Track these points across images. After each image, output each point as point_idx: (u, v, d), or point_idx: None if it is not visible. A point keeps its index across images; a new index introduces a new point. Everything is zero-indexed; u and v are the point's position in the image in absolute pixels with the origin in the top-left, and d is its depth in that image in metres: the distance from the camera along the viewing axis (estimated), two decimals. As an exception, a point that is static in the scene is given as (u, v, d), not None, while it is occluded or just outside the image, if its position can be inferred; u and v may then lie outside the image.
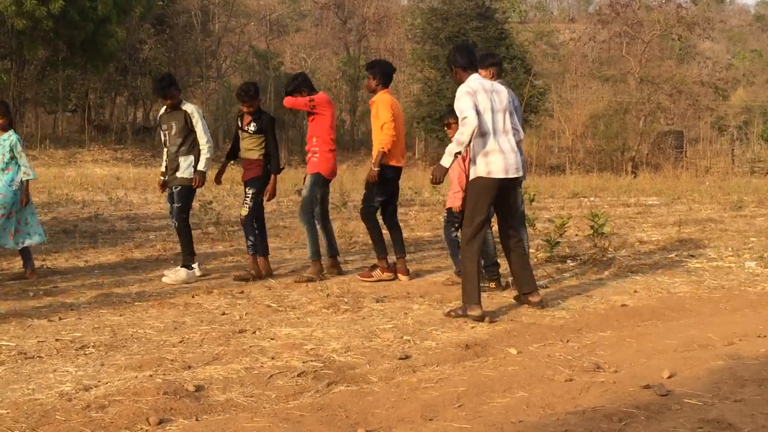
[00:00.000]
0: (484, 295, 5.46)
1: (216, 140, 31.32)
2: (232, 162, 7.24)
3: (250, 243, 6.72)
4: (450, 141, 6.61)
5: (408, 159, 33.48)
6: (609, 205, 15.38)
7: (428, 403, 3.44)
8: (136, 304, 5.62)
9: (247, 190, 6.73)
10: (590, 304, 5.85)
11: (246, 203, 6.70)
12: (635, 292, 6.33)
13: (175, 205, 6.60)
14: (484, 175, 5.19)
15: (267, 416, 3.26)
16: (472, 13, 32.41)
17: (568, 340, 4.72)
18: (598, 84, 41.75)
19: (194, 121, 6.59)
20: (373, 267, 6.77)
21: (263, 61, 38.62)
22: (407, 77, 36.78)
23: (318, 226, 6.78)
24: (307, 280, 6.56)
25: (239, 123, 6.83)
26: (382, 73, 6.63)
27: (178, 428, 3.17)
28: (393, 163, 6.58)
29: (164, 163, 6.83)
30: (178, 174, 6.60)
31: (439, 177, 5.25)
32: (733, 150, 38.26)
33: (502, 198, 5.38)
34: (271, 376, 3.87)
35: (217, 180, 7.25)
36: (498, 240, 6.02)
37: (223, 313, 5.36)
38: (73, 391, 3.59)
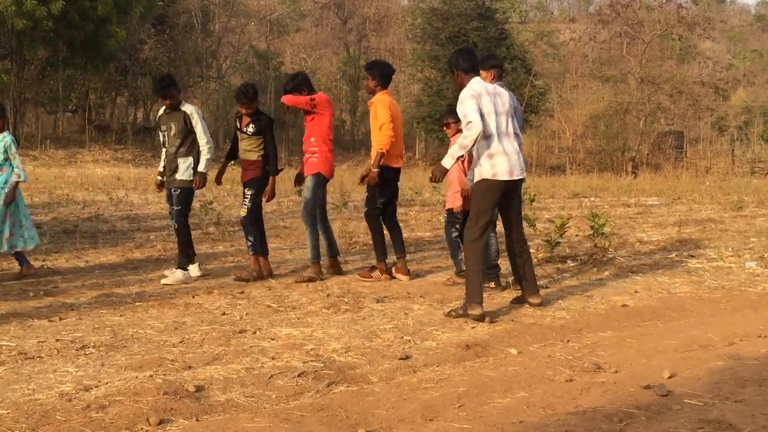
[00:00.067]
0: (484, 295, 5.46)
1: (216, 141, 31.32)
2: (232, 162, 7.24)
3: (250, 243, 6.72)
4: (449, 141, 6.64)
5: (408, 159, 33.52)
6: (609, 206, 15.38)
7: (429, 403, 3.44)
8: (136, 304, 5.62)
9: (246, 191, 6.73)
10: (591, 304, 5.85)
11: (245, 204, 6.71)
12: (636, 292, 6.33)
13: (175, 207, 6.59)
14: (489, 177, 5.23)
15: (267, 416, 3.26)
16: (472, 13, 32.40)
17: (568, 341, 4.72)
18: (598, 84, 41.76)
19: (194, 122, 6.58)
20: (373, 268, 6.77)
21: (263, 61, 38.63)
22: (407, 77, 36.78)
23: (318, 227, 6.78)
24: (308, 280, 6.57)
25: (238, 124, 6.83)
26: (381, 74, 6.63)
27: (179, 428, 3.17)
28: (392, 164, 6.58)
29: (162, 163, 6.82)
30: (177, 176, 6.59)
31: (438, 176, 5.31)
32: (733, 150, 38.25)
33: (506, 200, 5.42)
34: (272, 376, 3.87)
35: (218, 181, 7.25)
36: (502, 241, 6.03)
37: (224, 314, 5.36)
38: (74, 392, 3.59)
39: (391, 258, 6.82)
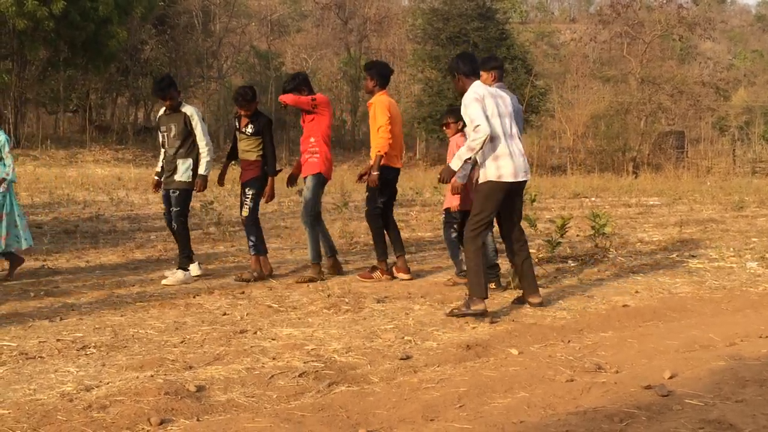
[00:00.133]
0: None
1: (217, 141, 31.36)
2: (233, 162, 7.25)
3: (251, 243, 6.72)
4: (449, 141, 6.65)
5: (409, 159, 33.54)
6: (610, 206, 15.38)
7: (429, 403, 3.44)
8: (137, 304, 5.63)
9: (246, 190, 6.73)
10: (591, 304, 5.85)
11: (246, 204, 6.71)
12: (636, 292, 6.32)
13: (174, 208, 6.58)
14: (494, 179, 5.26)
15: (268, 416, 3.26)
16: (473, 13, 32.42)
17: (569, 341, 4.72)
18: (599, 84, 41.76)
19: (194, 123, 6.57)
20: (373, 268, 6.77)
21: (264, 61, 38.67)
22: (408, 78, 36.81)
23: None
24: (309, 281, 6.57)
25: (237, 124, 6.83)
26: (380, 74, 6.63)
27: (180, 428, 3.17)
28: (393, 163, 6.59)
29: (160, 163, 6.81)
30: (176, 177, 6.57)
31: (446, 177, 5.42)
32: (734, 150, 38.26)
33: (509, 201, 5.44)
34: (272, 376, 3.87)
35: (220, 182, 7.24)
36: (500, 242, 6.04)
37: (225, 314, 5.36)
38: (75, 392, 3.60)
39: (391, 258, 6.82)
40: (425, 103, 33.13)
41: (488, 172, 5.28)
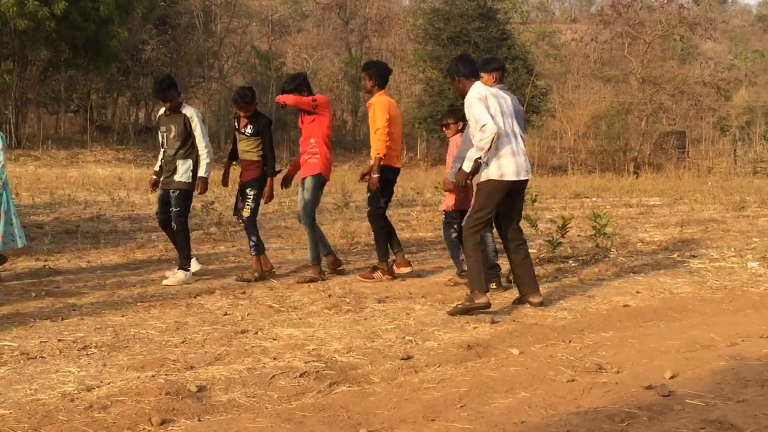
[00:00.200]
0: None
1: (217, 141, 31.37)
2: (234, 162, 7.25)
3: (252, 243, 6.72)
4: (449, 141, 6.66)
5: (410, 159, 33.56)
6: (611, 206, 15.37)
7: (430, 403, 3.44)
8: (138, 304, 5.63)
9: (247, 191, 6.73)
10: (592, 304, 5.85)
11: (248, 204, 6.71)
12: (637, 292, 6.32)
13: (174, 209, 6.56)
14: (496, 178, 5.28)
15: (269, 416, 3.26)
16: (473, 13, 32.42)
17: (570, 341, 4.72)
18: (600, 84, 41.75)
19: (193, 125, 6.55)
20: (374, 269, 6.77)
21: (265, 61, 38.67)
22: (409, 78, 36.81)
23: None
24: (309, 281, 6.57)
25: (236, 125, 6.83)
26: (378, 74, 6.63)
27: (181, 428, 3.17)
28: (393, 163, 6.59)
29: (159, 163, 6.80)
30: (176, 177, 6.55)
31: (462, 181, 5.45)
32: (735, 150, 38.23)
33: (510, 200, 5.45)
34: (273, 376, 3.88)
35: (224, 182, 7.23)
36: (499, 241, 6.04)
37: (225, 314, 5.37)
38: (76, 392, 3.60)
39: (391, 258, 6.81)
40: (426, 104, 33.13)
41: (490, 171, 5.30)
